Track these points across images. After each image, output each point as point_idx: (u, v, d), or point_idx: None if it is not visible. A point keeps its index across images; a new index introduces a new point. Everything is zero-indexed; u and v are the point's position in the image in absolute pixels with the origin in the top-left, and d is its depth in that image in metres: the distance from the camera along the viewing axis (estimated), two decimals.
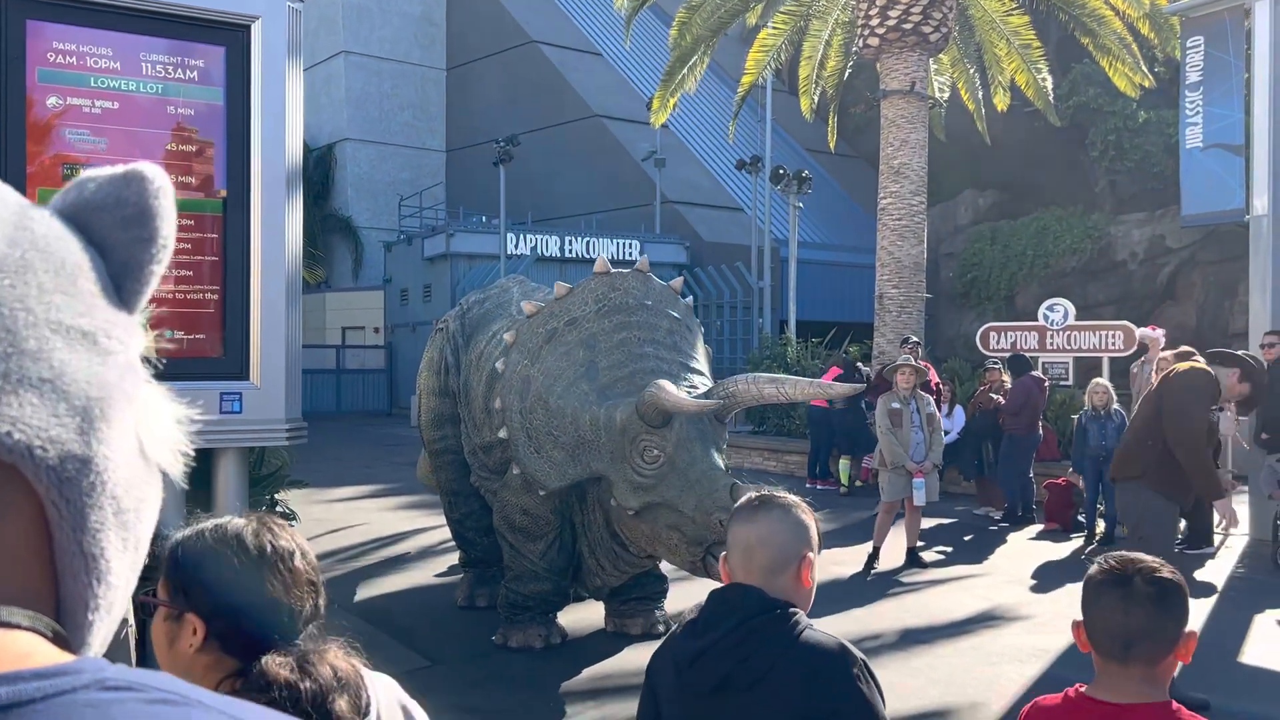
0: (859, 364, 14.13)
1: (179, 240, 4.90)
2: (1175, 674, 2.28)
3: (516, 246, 25.26)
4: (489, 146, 24.83)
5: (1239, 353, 6.30)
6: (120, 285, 0.64)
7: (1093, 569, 2.18)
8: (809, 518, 2.15)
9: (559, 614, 7.09)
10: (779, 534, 2.08)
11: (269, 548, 1.72)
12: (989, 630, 7.42)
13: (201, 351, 5.31)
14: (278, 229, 5.42)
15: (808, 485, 14.33)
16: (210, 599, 1.62)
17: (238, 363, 5.34)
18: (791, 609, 2.06)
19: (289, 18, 5.48)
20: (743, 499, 2.20)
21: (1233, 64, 10.60)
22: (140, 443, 0.62)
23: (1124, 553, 2.20)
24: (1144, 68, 16.02)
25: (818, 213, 30.20)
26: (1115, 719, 2.06)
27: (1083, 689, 2.15)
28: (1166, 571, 2.14)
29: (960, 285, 29.64)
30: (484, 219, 27.81)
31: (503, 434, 6.52)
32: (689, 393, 6.17)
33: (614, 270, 6.94)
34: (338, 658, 1.66)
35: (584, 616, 7.41)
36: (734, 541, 2.12)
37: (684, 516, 5.85)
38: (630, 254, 27.23)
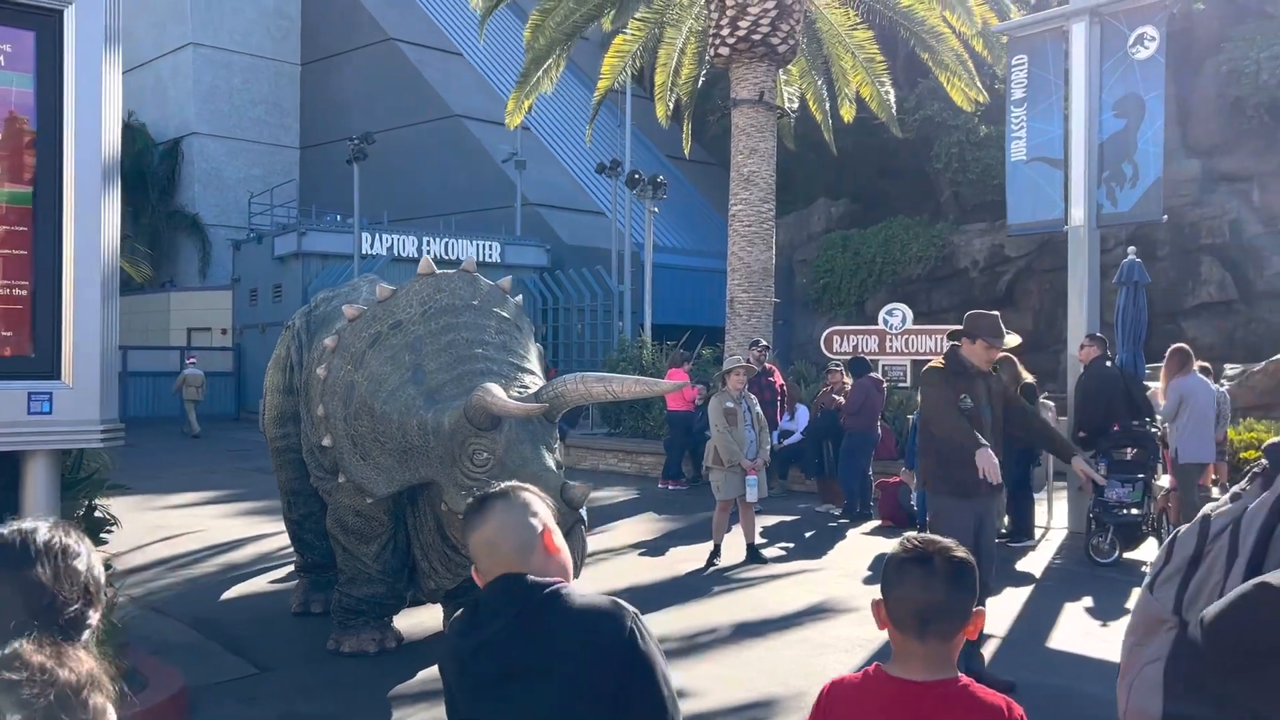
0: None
1: None
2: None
3: (371, 246, 24.82)
4: (345, 144, 24.32)
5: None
6: None
7: (894, 549, 2.28)
8: (529, 494, 2.20)
9: (395, 617, 7.02)
10: (510, 521, 2.12)
11: (48, 540, 1.71)
12: (819, 623, 7.67)
13: (10, 350, 5.08)
14: (93, 224, 5.22)
15: (660, 485, 14.52)
16: None
17: (48, 362, 5.13)
18: (557, 583, 2.10)
19: (107, 4, 5.29)
20: (465, 507, 2.24)
21: (1053, 82, 11.22)
22: None
23: (924, 534, 2.31)
24: (979, 84, 16.79)
25: (677, 218, 30.57)
26: (911, 694, 2.15)
27: (881, 667, 2.24)
28: (961, 553, 2.25)
29: (814, 291, 30.45)
30: (339, 218, 27.21)
31: (326, 442, 6.41)
32: (520, 393, 6.19)
33: (439, 271, 6.91)
34: (102, 668, 1.64)
35: (421, 620, 7.36)
36: (475, 548, 2.15)
37: None
38: (490, 256, 27.05)
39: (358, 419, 6.27)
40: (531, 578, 2.09)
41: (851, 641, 7.15)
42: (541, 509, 2.19)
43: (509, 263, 27.28)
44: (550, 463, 5.95)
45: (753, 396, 9.48)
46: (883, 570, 2.27)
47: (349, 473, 6.32)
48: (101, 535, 6.04)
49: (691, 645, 7.04)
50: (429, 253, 25.90)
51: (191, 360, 24.22)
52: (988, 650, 6.86)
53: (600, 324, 25.78)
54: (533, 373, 6.66)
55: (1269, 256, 23.97)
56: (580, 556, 5.75)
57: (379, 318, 6.54)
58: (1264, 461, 1.76)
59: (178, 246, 32.85)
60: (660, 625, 7.25)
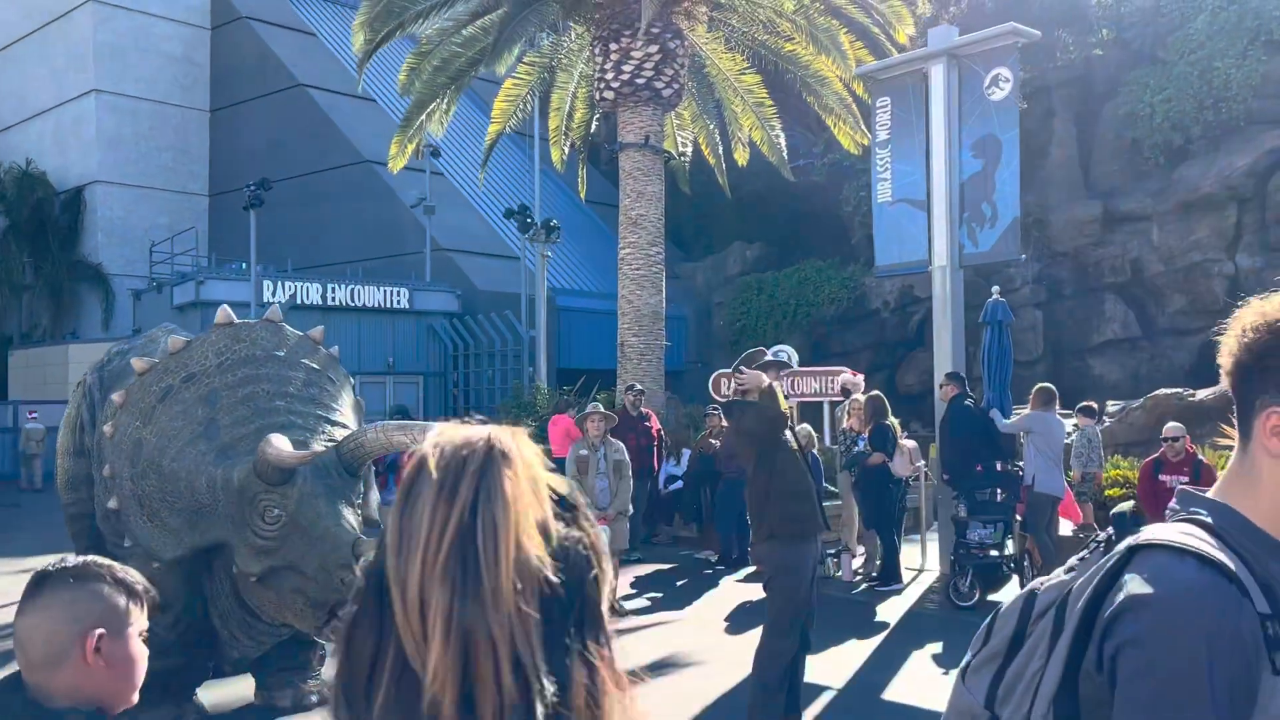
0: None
1: None
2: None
3: (274, 294, 24.31)
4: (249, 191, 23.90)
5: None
6: None
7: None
8: (108, 579, 1.81)
9: (200, 689, 6.63)
10: (47, 617, 1.77)
11: None
12: (663, 676, 7.42)
13: None
14: None
15: None
16: None
17: None
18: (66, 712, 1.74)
19: None
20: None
21: (915, 123, 11.27)
22: None
23: None
24: (864, 126, 16.91)
25: (590, 261, 30.48)
26: None
27: None
28: None
29: (731, 333, 30.47)
30: (243, 266, 26.67)
31: (112, 504, 6.06)
32: (325, 446, 5.91)
33: (239, 321, 6.63)
34: None
35: (233, 691, 6.96)
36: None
37: (307, 579, 5.57)
38: (399, 302, 26.66)
39: (144, 478, 5.94)
40: (31, 695, 1.76)
41: (686, 695, 6.91)
42: (111, 602, 1.81)
43: (418, 308, 26.92)
44: (347, 519, 5.68)
45: (616, 443, 9.25)
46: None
47: (135, 535, 5.98)
48: None
49: None
50: (333, 300, 25.48)
51: (32, 415, 23.67)
52: (818, 703, 6.65)
53: (510, 370, 25.48)
54: (345, 425, 6.38)
55: (1170, 295, 24.43)
56: None
57: (171, 370, 6.23)
58: (1109, 530, 1.47)
59: (80, 297, 31.98)
60: None
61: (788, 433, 6.05)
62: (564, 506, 1.16)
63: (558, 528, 1.13)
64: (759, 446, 5.88)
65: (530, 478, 1.11)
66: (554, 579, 1.09)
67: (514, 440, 1.12)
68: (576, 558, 1.14)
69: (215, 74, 34.40)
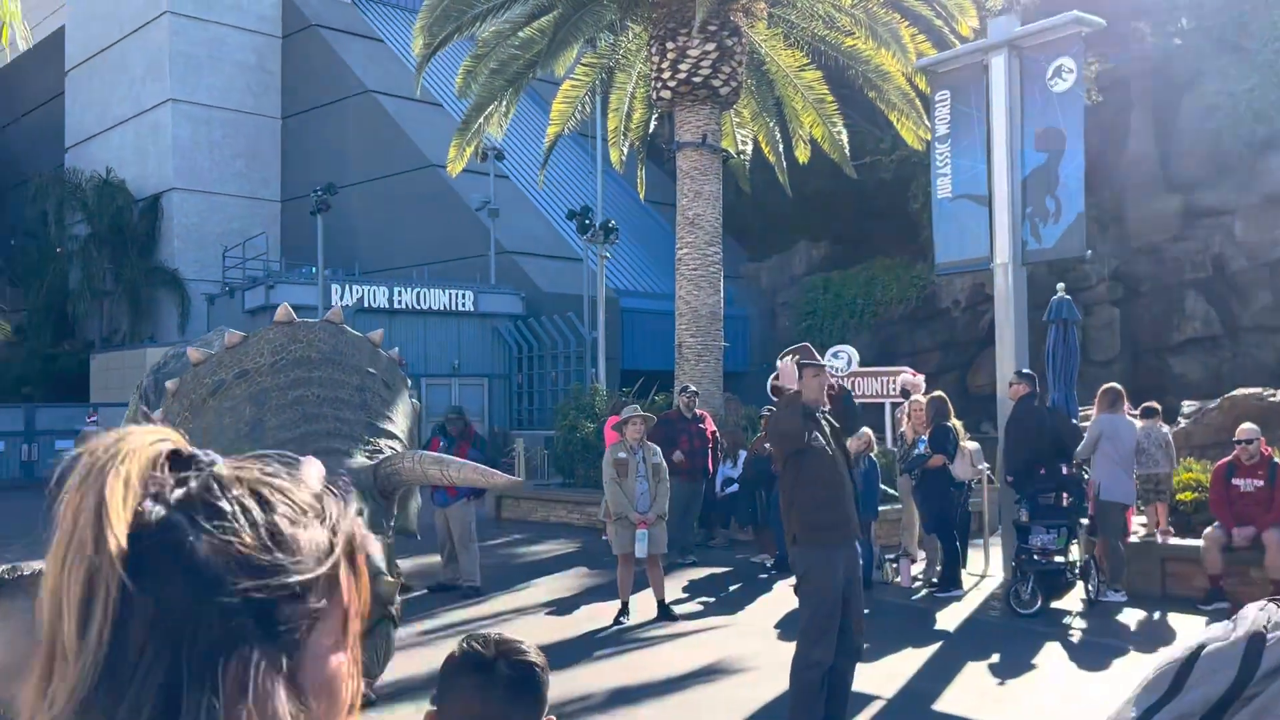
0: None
1: None
2: None
3: (341, 298, 24.63)
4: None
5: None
6: None
7: (454, 650, 1.93)
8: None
9: None
10: (7, 629, 1.72)
11: None
12: (705, 684, 7.28)
13: None
14: None
15: (604, 538, 14.10)
16: None
17: None
18: None
19: None
20: None
21: (975, 117, 10.95)
22: None
23: (488, 633, 1.95)
24: (927, 121, 16.54)
25: (655, 262, 30.38)
26: None
27: None
28: (532, 655, 1.91)
29: (796, 334, 30.14)
30: (312, 270, 27.10)
31: None
32: (368, 458, 5.88)
33: (299, 320, 6.61)
34: None
35: None
36: None
37: None
38: (464, 304, 26.86)
39: None
40: None
41: (733, 703, 6.77)
42: None
43: (483, 311, 27.10)
44: (372, 549, 5.58)
45: (653, 446, 9.11)
46: (440, 674, 1.92)
47: None
48: None
49: (557, 715, 6.64)
50: (399, 303, 25.76)
51: (92, 419, 24.18)
52: (865, 713, 6.46)
53: (573, 371, 25.50)
54: (394, 435, 6.33)
55: (1254, 291, 23.59)
56: (384, 656, 5.41)
57: (225, 364, 6.25)
58: None
59: (158, 302, 32.79)
60: None
61: (818, 434, 5.83)
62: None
63: None
64: (784, 448, 5.74)
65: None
66: None
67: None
68: None
69: (286, 81, 35.03)
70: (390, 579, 5.27)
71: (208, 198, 33.27)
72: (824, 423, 5.75)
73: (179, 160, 32.75)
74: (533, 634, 8.56)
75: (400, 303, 25.68)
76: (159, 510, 0.74)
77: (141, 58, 33.91)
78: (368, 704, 6.00)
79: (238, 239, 31.40)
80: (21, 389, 30.53)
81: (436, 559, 10.88)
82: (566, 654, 8.11)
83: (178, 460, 0.81)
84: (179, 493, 0.76)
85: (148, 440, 0.78)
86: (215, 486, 0.78)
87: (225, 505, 0.76)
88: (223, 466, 0.82)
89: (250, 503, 0.78)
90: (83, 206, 32.69)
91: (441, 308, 26.41)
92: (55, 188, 33.43)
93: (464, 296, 26.78)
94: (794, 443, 5.62)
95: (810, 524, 5.65)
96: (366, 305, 24.86)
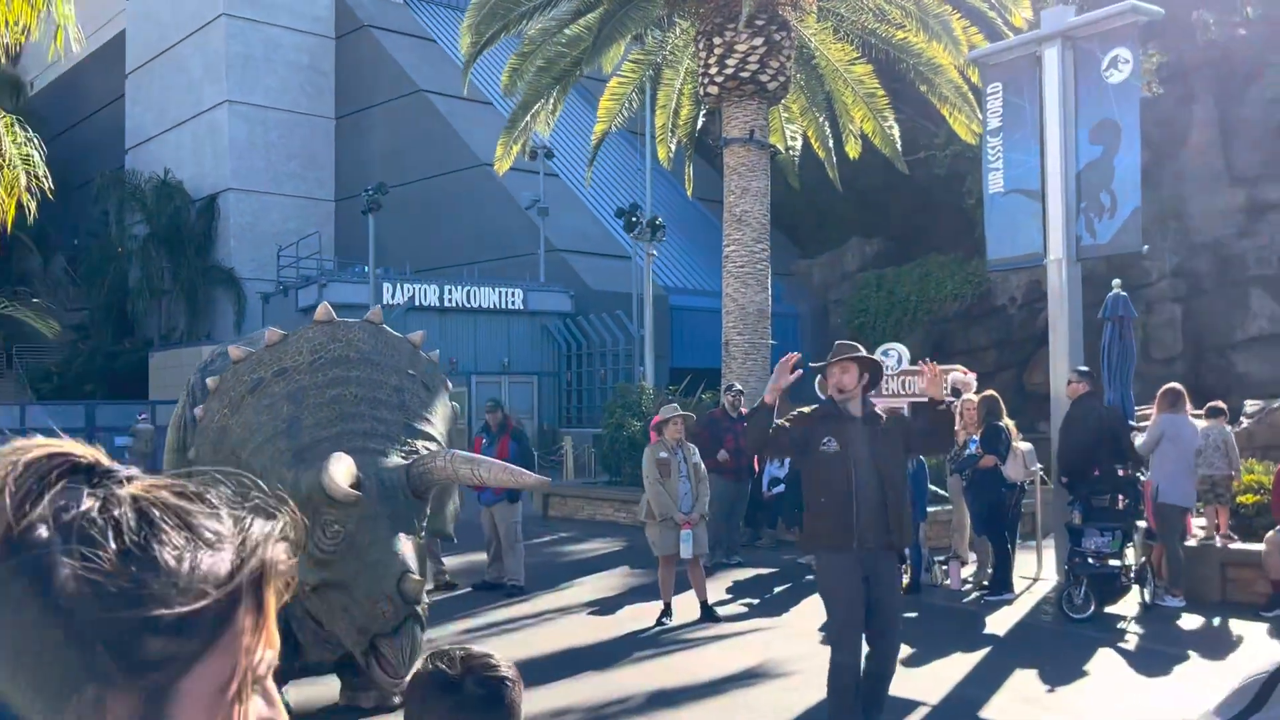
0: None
1: None
2: None
3: (393, 296, 24.83)
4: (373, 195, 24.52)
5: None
6: None
7: (419, 669, 1.86)
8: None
9: (288, 687, 6.67)
10: None
11: None
12: (745, 688, 7.17)
13: None
14: None
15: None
16: None
17: None
18: None
19: None
20: None
21: (1028, 110, 10.70)
22: None
23: (453, 650, 1.87)
24: (980, 115, 16.24)
25: (705, 260, 30.24)
26: None
27: None
28: (502, 669, 1.83)
29: (848, 332, 29.81)
30: (364, 269, 27.37)
31: None
32: (404, 459, 5.85)
33: (339, 320, 6.61)
34: None
35: (318, 692, 6.99)
36: None
37: (353, 600, 5.48)
38: (514, 303, 26.97)
39: (224, 466, 5.97)
40: None
41: (772, 707, 6.66)
42: None
43: (533, 309, 27.18)
44: (402, 548, 5.51)
45: (691, 445, 9.01)
46: (406, 694, 1.84)
47: None
48: None
49: (596, 717, 6.59)
50: (450, 301, 25.90)
51: (143, 416, 24.59)
52: (907, 719, 6.31)
53: (622, 369, 25.47)
54: (431, 437, 6.29)
55: None
56: (410, 656, 5.37)
57: (265, 362, 6.27)
58: None
59: (215, 300, 33.35)
60: (563, 696, 6.82)
61: (832, 439, 5.59)
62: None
63: None
64: (772, 455, 5.72)
65: None
66: None
67: None
68: None
69: (339, 82, 35.42)
70: (417, 578, 5.23)
71: (263, 197, 33.75)
72: (862, 427, 5.54)
73: (235, 160, 33.26)
74: (565, 636, 8.56)
75: (451, 301, 25.83)
76: (23, 526, 0.66)
77: (199, 60, 34.48)
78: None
79: (292, 238, 31.81)
80: (84, 386, 31.19)
81: (483, 557, 10.88)
82: (608, 654, 8.05)
83: (78, 473, 0.73)
84: (56, 507, 0.68)
85: (33, 454, 0.71)
86: (101, 504, 0.69)
87: (98, 522, 0.67)
88: (133, 485, 0.73)
89: (129, 522, 0.68)
90: (142, 207, 33.35)
91: (491, 306, 26.53)
92: (115, 188, 34.13)
93: (514, 295, 26.87)
94: (769, 453, 5.58)
95: (810, 530, 5.70)
96: (418, 304, 25.04)
